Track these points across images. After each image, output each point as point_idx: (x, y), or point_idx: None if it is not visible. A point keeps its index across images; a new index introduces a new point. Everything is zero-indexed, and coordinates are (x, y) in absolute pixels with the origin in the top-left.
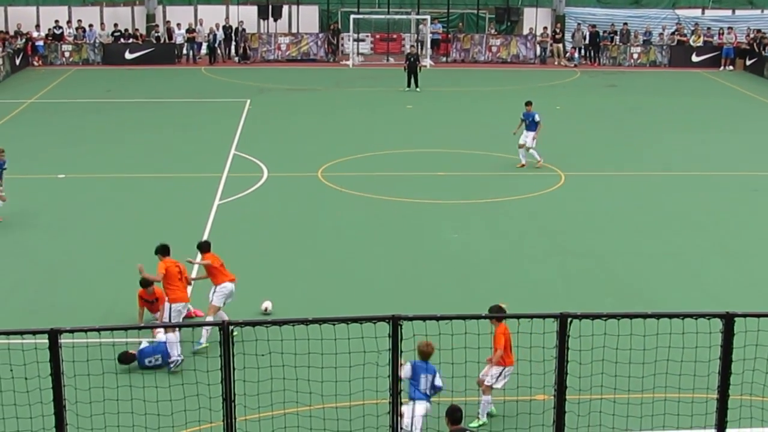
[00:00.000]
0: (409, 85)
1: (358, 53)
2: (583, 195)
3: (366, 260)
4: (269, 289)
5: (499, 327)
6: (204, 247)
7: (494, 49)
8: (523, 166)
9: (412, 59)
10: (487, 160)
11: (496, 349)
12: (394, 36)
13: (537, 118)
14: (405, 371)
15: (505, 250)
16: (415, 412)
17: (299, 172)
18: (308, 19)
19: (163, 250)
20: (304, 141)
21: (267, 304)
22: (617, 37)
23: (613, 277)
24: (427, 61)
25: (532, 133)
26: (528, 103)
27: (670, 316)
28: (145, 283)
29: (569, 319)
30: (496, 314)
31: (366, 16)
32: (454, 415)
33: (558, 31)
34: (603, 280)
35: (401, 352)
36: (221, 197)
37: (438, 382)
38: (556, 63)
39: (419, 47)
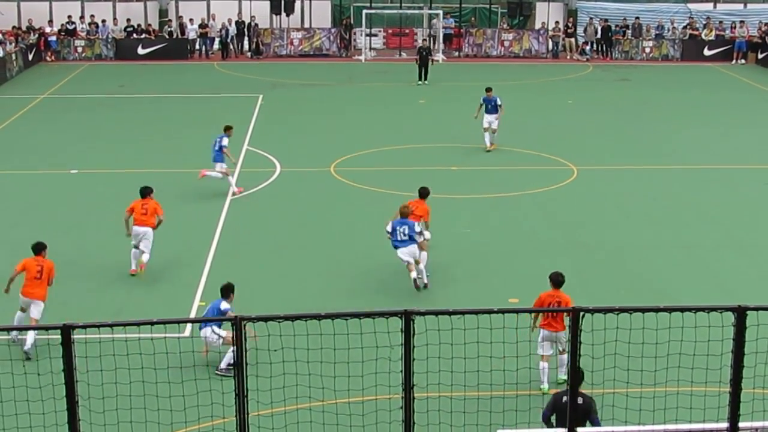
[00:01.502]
0: (420, 79)
1: (371, 48)
2: (596, 189)
3: (378, 255)
4: (282, 285)
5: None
6: None
7: (506, 43)
8: (489, 150)
9: (424, 53)
10: (499, 155)
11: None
12: (407, 31)
13: (499, 101)
14: (388, 227)
15: (517, 244)
16: (399, 256)
17: (312, 167)
18: (321, 14)
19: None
20: (317, 136)
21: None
22: (629, 31)
23: (626, 271)
24: (439, 56)
25: (494, 116)
26: (489, 89)
27: (683, 309)
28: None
29: (581, 314)
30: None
31: (378, 11)
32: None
33: (570, 25)
34: (616, 273)
35: (413, 347)
36: (234, 193)
37: (416, 229)
38: (568, 57)
39: (431, 42)
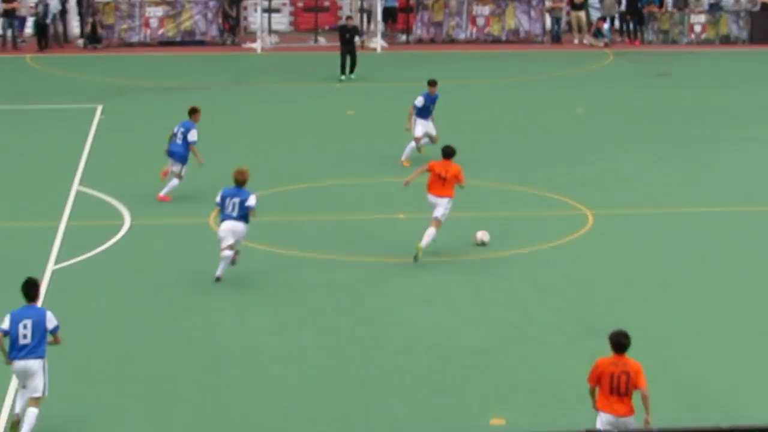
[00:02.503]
0: (343, 72)
1: (271, 31)
2: (622, 244)
3: (282, 363)
4: (123, 410)
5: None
6: None
7: (481, 21)
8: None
9: (348, 35)
10: (473, 194)
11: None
12: (326, 4)
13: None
14: (218, 197)
15: (505, 334)
16: (218, 233)
17: (181, 216)
18: None
19: None
20: (189, 170)
21: (483, 236)
22: (670, 0)
23: (671, 371)
24: (377, 41)
25: (429, 121)
26: (433, 83)
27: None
28: None
29: None
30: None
31: None
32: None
33: None
34: (656, 375)
35: None
36: (57, 260)
37: (250, 202)
38: (576, 41)
39: (363, 19)
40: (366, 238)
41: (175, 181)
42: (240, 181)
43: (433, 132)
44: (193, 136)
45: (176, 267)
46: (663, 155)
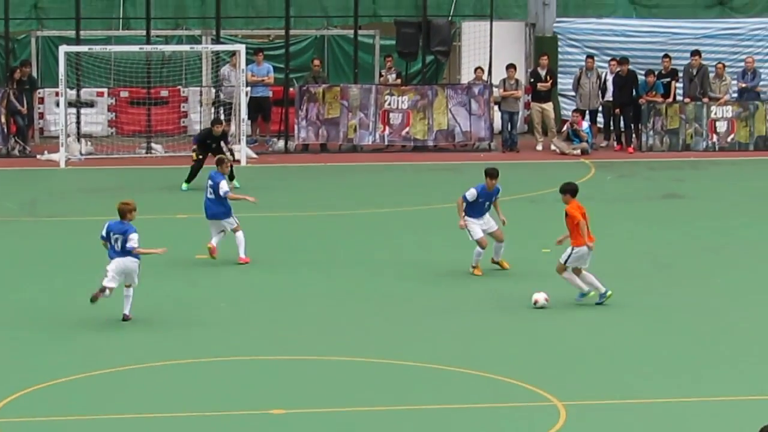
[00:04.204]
0: (189, 180)
1: (80, 136)
2: None
3: None
4: None
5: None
6: None
7: (396, 118)
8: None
9: (213, 144)
10: (405, 384)
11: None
12: (164, 93)
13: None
14: (103, 231)
15: None
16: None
17: None
18: None
19: None
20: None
21: (540, 298)
22: (678, 83)
23: None
24: (240, 149)
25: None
26: (493, 175)
27: None
28: None
29: None
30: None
31: (98, 50)
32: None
33: (545, 72)
34: None
35: None
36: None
37: (129, 244)
38: (539, 147)
39: (216, 114)
40: None
41: (240, 236)
42: (123, 212)
43: (493, 227)
44: (224, 185)
45: None
46: (662, 325)
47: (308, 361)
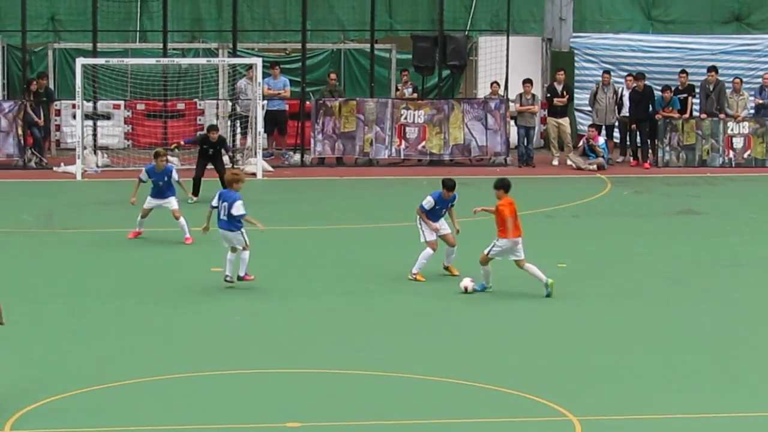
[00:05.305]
0: (195, 192)
1: (97, 148)
2: None
3: None
4: None
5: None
6: None
7: (412, 132)
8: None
9: (211, 150)
10: (413, 398)
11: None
12: (180, 105)
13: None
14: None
15: None
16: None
17: None
18: None
19: None
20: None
21: (467, 284)
22: (695, 99)
23: None
24: (256, 162)
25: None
26: (449, 186)
27: None
28: None
29: None
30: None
31: (115, 62)
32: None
33: (561, 87)
34: None
35: None
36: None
37: (235, 210)
38: (555, 162)
39: (237, 130)
40: None
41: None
42: (229, 182)
43: (445, 230)
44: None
45: None
46: (681, 338)
47: (323, 374)
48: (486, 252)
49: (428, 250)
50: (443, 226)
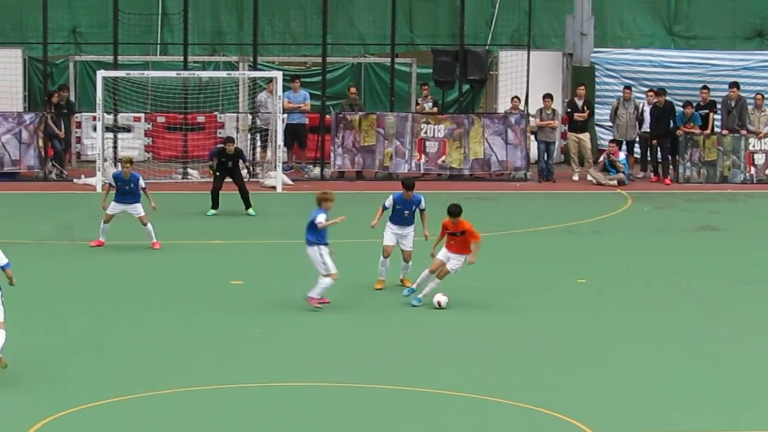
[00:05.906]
0: (215, 206)
1: (116, 160)
2: None
3: None
4: None
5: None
6: None
7: (432, 147)
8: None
9: (229, 163)
10: (432, 408)
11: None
12: (200, 119)
13: (423, 204)
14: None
15: None
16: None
17: None
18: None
19: None
20: None
21: (441, 299)
22: (716, 115)
23: None
24: (276, 175)
25: (410, 228)
26: (409, 186)
27: None
28: None
29: None
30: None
31: (135, 75)
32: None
33: (582, 102)
34: None
35: None
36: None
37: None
38: (575, 177)
39: (257, 143)
40: None
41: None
42: (318, 200)
43: (407, 245)
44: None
45: None
46: (710, 356)
47: (342, 388)
48: (452, 270)
49: (381, 257)
50: (406, 238)
